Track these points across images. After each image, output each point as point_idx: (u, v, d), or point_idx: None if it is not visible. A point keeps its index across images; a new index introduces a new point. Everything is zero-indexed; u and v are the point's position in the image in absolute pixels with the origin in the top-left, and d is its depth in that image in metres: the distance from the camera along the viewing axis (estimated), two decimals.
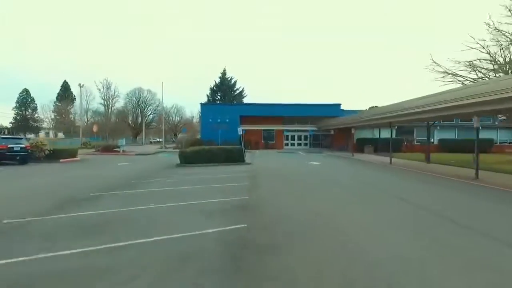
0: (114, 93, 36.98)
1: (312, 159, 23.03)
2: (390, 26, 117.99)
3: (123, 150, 28.61)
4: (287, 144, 42.79)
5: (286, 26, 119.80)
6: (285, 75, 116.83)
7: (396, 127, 33.98)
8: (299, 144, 43.10)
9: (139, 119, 75.44)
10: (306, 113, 39.98)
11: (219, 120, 39.02)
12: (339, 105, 39.98)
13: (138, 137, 75.91)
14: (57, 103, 79.54)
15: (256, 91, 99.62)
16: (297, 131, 42.42)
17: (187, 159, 18.06)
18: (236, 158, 19.01)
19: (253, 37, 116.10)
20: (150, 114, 76.43)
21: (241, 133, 19.77)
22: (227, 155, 18.87)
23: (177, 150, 35.32)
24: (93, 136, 48.35)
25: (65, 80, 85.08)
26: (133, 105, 76.09)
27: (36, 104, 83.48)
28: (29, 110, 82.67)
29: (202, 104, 41.09)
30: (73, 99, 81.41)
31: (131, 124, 76.61)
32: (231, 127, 38.60)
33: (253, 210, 6.89)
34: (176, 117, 72.04)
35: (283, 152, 34.31)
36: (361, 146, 33.67)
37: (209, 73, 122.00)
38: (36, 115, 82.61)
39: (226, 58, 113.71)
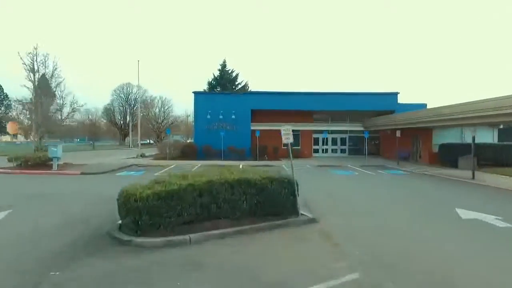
0: (53, 71, 24.44)
1: (433, 197, 10.82)
2: (389, 25, 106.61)
3: (58, 165, 16.51)
4: (316, 151, 30.56)
5: (290, 19, 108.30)
6: (290, 72, 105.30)
7: (501, 126, 21.91)
8: (334, 151, 30.76)
9: (128, 118, 65.16)
10: (346, 106, 27.26)
11: (221, 117, 26.88)
12: (395, 94, 27.50)
13: (127, 138, 65.31)
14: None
15: (259, 89, 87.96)
16: (333, 132, 30.03)
17: (142, 220, 5.49)
18: (278, 206, 6.89)
19: (255, 31, 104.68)
20: (141, 112, 66.00)
21: (291, 140, 7.44)
22: (256, 198, 6.64)
23: (160, 161, 23.53)
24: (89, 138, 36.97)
25: (43, 74, 74.34)
26: (122, 103, 66.09)
27: (11, 101, 74.54)
28: (2, 108, 73.25)
29: (196, 93, 28.41)
30: (53, 95, 71.53)
31: (119, 123, 66.86)
32: (239, 126, 26.66)
33: None
34: (162, 112, 59.68)
35: (323, 165, 21.58)
36: (445, 155, 21.28)
37: (208, 69, 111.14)
38: (10, 113, 73.57)
39: (226, 51, 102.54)
